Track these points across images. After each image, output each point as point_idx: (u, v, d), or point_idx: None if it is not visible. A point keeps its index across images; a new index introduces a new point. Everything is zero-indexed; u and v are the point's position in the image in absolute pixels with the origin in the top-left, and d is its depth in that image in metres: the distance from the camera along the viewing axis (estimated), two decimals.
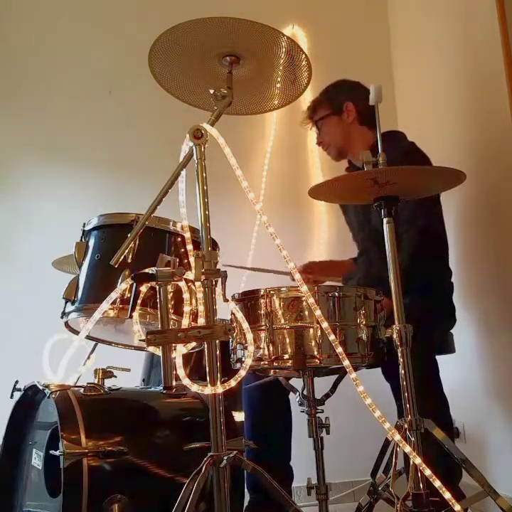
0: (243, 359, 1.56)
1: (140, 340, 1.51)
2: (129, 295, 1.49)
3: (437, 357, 1.93)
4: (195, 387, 1.28)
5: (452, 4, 2.52)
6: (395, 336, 1.49)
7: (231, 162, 1.39)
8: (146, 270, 1.28)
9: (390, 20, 3.17)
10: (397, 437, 1.38)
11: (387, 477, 1.53)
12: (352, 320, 1.56)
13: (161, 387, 1.68)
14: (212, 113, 1.40)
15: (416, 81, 2.91)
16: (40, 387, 1.52)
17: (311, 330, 1.52)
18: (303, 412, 1.68)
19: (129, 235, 1.33)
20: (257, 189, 2.85)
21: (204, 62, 1.48)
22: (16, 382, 1.68)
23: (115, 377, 1.61)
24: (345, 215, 2.39)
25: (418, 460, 1.37)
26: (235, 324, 1.58)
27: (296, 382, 1.81)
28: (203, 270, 1.25)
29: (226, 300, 1.35)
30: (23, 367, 1.77)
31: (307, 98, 2.36)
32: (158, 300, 1.26)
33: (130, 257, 1.40)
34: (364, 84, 2.15)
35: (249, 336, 1.44)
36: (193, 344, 1.45)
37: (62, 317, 1.62)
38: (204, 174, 1.32)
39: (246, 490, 1.82)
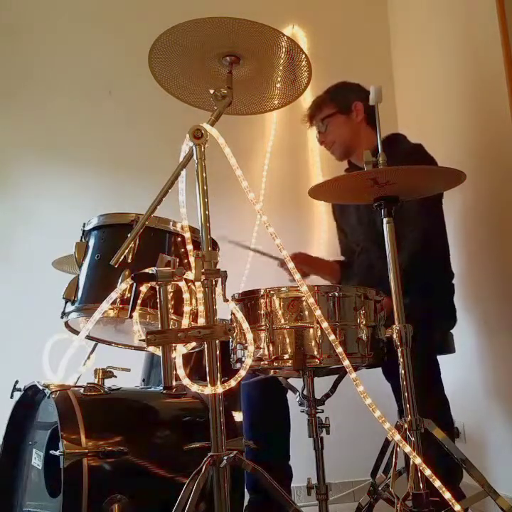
0: (243, 359, 1.57)
1: (140, 340, 1.51)
2: (129, 295, 1.49)
3: (437, 357, 1.93)
4: (195, 387, 1.28)
5: (452, 4, 2.52)
6: (395, 335, 1.49)
7: (231, 162, 1.39)
8: (146, 270, 1.28)
9: (390, 20, 3.17)
10: (397, 437, 1.38)
11: (387, 477, 1.53)
12: (352, 320, 1.56)
13: (161, 387, 1.68)
14: (212, 113, 1.40)
15: (416, 81, 2.91)
16: (40, 387, 1.52)
17: (311, 330, 1.52)
18: (303, 412, 1.68)
19: (129, 235, 1.32)
20: (257, 189, 2.84)
21: (204, 62, 1.48)
22: (16, 382, 1.68)
23: (115, 377, 1.61)
24: (339, 219, 2.37)
25: (418, 460, 1.37)
26: (235, 324, 1.58)
27: (296, 382, 1.81)
28: (203, 270, 1.25)
29: (226, 300, 1.35)
30: (23, 367, 1.77)
31: (307, 98, 2.36)
32: (158, 300, 1.26)
33: (130, 257, 1.40)
34: (364, 84, 2.15)
35: (249, 336, 1.44)
36: (193, 344, 1.45)
37: (62, 317, 1.62)
38: (204, 174, 1.32)
39: (246, 490, 1.82)
